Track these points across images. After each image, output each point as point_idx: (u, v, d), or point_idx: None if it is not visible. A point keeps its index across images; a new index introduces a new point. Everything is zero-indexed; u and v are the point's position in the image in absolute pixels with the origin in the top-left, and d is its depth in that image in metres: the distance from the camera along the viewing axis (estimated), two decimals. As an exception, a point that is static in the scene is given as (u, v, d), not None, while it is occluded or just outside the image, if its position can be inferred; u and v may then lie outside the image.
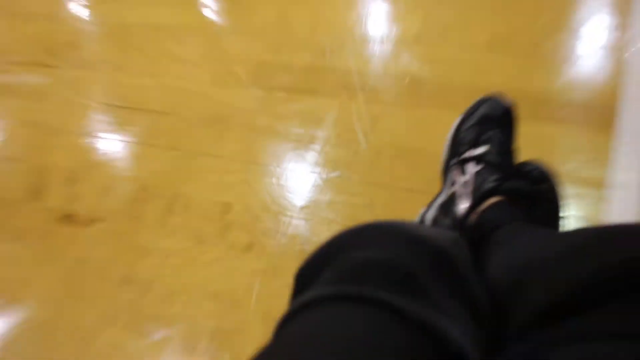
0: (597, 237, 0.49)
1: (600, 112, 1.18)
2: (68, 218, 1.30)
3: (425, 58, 1.39)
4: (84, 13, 1.90)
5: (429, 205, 0.98)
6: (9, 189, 1.42)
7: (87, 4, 1.93)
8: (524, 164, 0.91)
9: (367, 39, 1.48)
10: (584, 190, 1.07)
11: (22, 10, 2.03)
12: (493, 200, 0.86)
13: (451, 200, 0.92)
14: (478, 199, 0.86)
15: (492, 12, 1.45)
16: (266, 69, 1.48)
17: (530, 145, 1.04)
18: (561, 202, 0.91)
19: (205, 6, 1.74)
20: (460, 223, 0.86)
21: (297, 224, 1.15)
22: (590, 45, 1.31)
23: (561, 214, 0.90)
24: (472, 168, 0.92)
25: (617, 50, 1.27)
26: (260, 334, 1.01)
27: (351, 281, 0.48)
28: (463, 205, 0.89)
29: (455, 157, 0.97)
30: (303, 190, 1.21)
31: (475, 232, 0.82)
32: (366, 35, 1.49)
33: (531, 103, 1.22)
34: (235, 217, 1.19)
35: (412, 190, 1.14)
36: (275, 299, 1.05)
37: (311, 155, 1.27)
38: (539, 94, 1.25)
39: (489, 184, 0.88)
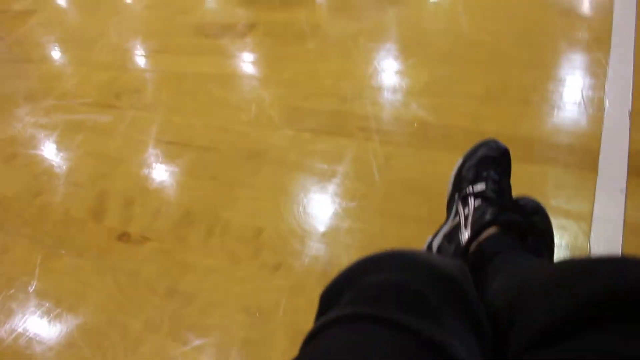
0: (583, 268, 0.47)
1: (583, 153, 1.15)
2: (124, 236, 1.30)
3: (431, 106, 1.38)
4: (145, 63, 1.93)
5: (435, 234, 0.95)
6: (75, 210, 1.42)
7: (148, 55, 1.96)
8: (518, 199, 0.89)
9: (382, 89, 1.47)
10: (570, 223, 1.04)
11: (96, 59, 2.07)
12: (491, 230, 0.83)
13: (454, 231, 0.90)
14: (478, 229, 0.84)
15: (488, 68, 1.45)
16: (296, 113, 1.47)
17: (522, 182, 1.03)
18: (552, 233, 0.88)
19: (246, 59, 1.75)
20: (463, 251, 0.83)
21: (320, 248, 1.13)
22: (574, 95, 1.29)
23: (552, 245, 0.88)
24: (472, 202, 0.90)
25: (598, 100, 1.25)
26: (286, 345, 0.98)
27: (368, 303, 0.47)
28: (465, 235, 0.86)
29: (458, 192, 0.95)
30: (325, 217, 1.19)
31: (475, 259, 0.79)
32: (381, 86, 1.48)
33: (522, 145, 1.20)
34: (266, 240, 1.17)
35: (420, 220, 1.11)
36: (300, 314, 1.02)
37: (332, 187, 1.25)
38: (529, 137, 1.22)
39: (487, 216, 0.86)
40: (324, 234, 1.15)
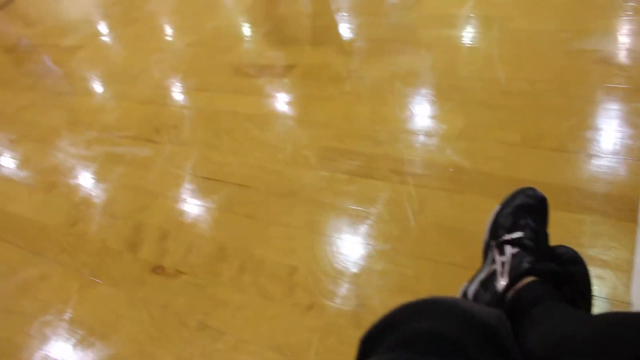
0: (630, 322, 0.47)
1: (622, 202, 1.15)
2: (158, 269, 1.32)
3: (466, 152, 1.38)
4: (184, 100, 1.99)
5: (471, 281, 0.95)
6: (111, 240, 1.46)
7: (187, 92, 2.02)
8: (556, 248, 0.89)
9: (417, 133, 1.49)
10: (609, 274, 1.02)
11: (137, 94, 2.14)
12: (528, 279, 0.83)
13: (491, 278, 0.89)
14: (515, 278, 0.84)
15: (524, 115, 1.46)
16: (331, 154, 1.50)
17: (559, 230, 1.02)
18: (590, 284, 0.87)
19: (283, 99, 1.79)
20: (499, 299, 0.83)
21: (352, 289, 1.13)
22: (612, 144, 1.29)
23: (590, 295, 0.87)
24: (509, 250, 0.90)
25: (637, 150, 1.25)
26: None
27: (409, 349, 0.47)
28: (501, 283, 0.86)
29: (494, 239, 0.95)
30: (358, 259, 1.20)
31: (512, 308, 0.79)
32: (416, 130, 1.50)
33: (559, 193, 1.20)
34: (300, 279, 1.18)
35: (455, 265, 1.11)
36: (331, 354, 1.02)
37: (366, 229, 1.26)
38: (566, 185, 1.22)
39: (525, 264, 0.86)
40: (357, 275, 1.16)
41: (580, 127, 1.37)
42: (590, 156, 1.28)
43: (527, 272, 0.84)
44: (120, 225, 1.51)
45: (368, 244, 1.22)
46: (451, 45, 1.84)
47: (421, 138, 1.47)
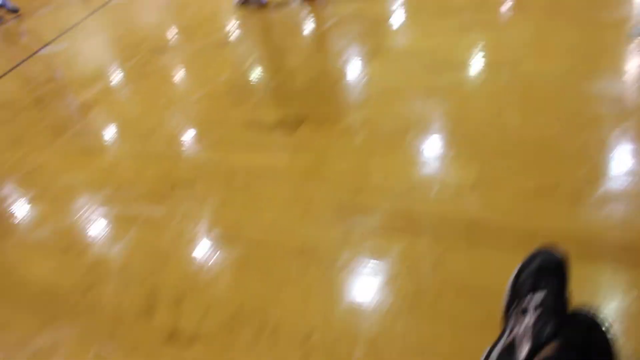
0: None
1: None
2: (172, 336, 1.31)
3: (482, 203, 1.38)
4: (198, 155, 2.01)
5: (494, 345, 0.93)
6: (125, 305, 1.46)
7: (201, 148, 2.04)
8: (577, 311, 0.88)
9: (431, 184, 1.49)
10: (633, 326, 1.00)
11: (152, 150, 2.17)
12: (551, 346, 0.82)
13: (513, 344, 0.88)
14: (538, 345, 0.82)
15: (538, 163, 1.46)
16: (346, 209, 1.50)
17: (579, 281, 1.00)
18: (613, 349, 0.85)
19: (296, 153, 1.80)
20: (524, 367, 0.81)
21: (370, 352, 1.11)
22: (628, 188, 1.27)
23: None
24: (531, 314, 0.89)
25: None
26: None
27: None
28: (524, 349, 0.85)
29: (515, 302, 0.94)
30: (375, 319, 1.19)
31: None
32: (431, 182, 1.50)
33: (577, 243, 1.19)
34: (316, 343, 1.17)
35: (474, 323, 1.10)
36: None
37: (382, 287, 1.25)
38: (583, 235, 1.22)
39: (548, 329, 0.84)
40: (373, 338, 1.14)
41: (596, 173, 1.36)
42: (607, 202, 1.27)
43: (550, 339, 0.82)
44: (135, 289, 1.50)
45: (384, 303, 1.21)
46: (462, 92, 1.85)
47: (436, 190, 1.47)
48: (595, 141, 1.46)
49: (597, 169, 1.37)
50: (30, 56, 4.15)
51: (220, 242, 1.55)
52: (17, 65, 4.05)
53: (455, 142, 1.62)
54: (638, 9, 2.05)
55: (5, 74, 3.93)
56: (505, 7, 2.41)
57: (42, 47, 4.29)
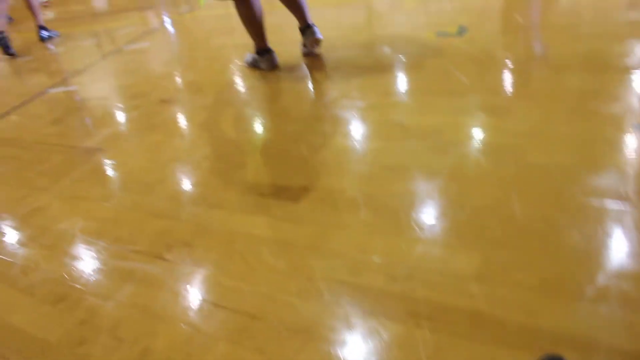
0: None
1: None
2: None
3: (484, 294, 1.38)
4: (198, 216, 2.01)
5: None
6: (114, 367, 1.43)
7: (202, 208, 2.05)
8: None
9: (432, 270, 1.50)
10: None
11: (151, 206, 2.17)
12: None
13: None
14: None
15: (542, 257, 1.48)
16: (345, 288, 1.50)
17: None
18: None
19: (298, 225, 1.81)
20: None
21: None
22: (632, 291, 1.28)
23: None
24: None
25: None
26: None
27: None
28: None
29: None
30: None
31: None
32: (432, 267, 1.52)
33: (582, 347, 1.18)
34: None
35: None
36: None
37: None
38: (589, 340, 1.21)
39: None
40: None
41: (601, 272, 1.37)
42: (611, 305, 1.27)
43: None
44: (126, 349, 1.48)
45: (382, 396, 1.19)
46: (465, 176, 1.88)
47: (437, 277, 1.47)
48: (601, 239, 1.47)
49: (602, 268, 1.38)
50: (40, 94, 4.21)
51: (214, 311, 1.53)
52: (26, 102, 4.09)
53: (458, 228, 1.64)
54: (640, 107, 2.12)
55: (13, 110, 3.97)
56: (510, 92, 2.48)
57: (52, 87, 4.35)
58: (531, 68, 2.72)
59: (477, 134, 2.16)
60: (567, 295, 1.33)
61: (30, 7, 6.22)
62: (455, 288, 1.43)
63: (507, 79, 2.66)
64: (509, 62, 2.85)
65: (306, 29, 3.48)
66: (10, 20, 7.46)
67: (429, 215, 1.73)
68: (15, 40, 6.50)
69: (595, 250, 1.44)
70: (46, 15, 7.74)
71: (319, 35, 3.49)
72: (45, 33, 6.38)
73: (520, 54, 2.94)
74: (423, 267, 1.52)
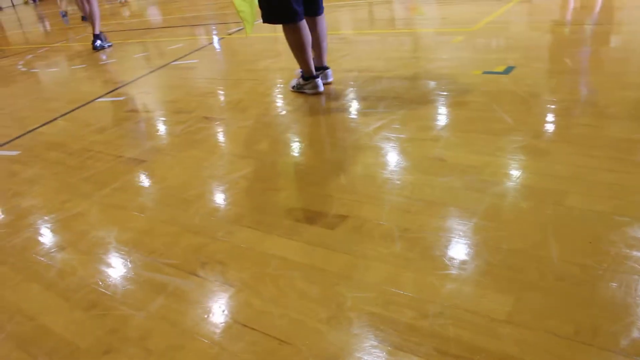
0: None
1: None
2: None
3: (515, 339, 1.37)
4: (234, 236, 2.04)
5: None
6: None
7: (238, 228, 2.08)
8: None
9: (464, 309, 1.49)
10: None
11: (188, 221, 2.21)
12: None
13: None
14: None
15: (577, 305, 1.45)
16: (375, 321, 1.50)
17: None
18: None
19: (333, 252, 1.82)
20: None
21: None
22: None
23: None
24: None
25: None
26: None
27: None
28: None
29: None
30: None
31: None
32: (463, 306, 1.51)
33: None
34: None
35: None
36: None
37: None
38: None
39: None
40: None
41: (637, 325, 1.34)
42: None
43: None
44: (152, 362, 1.50)
45: None
46: (503, 216, 1.87)
47: (468, 316, 1.46)
48: (637, 287, 1.44)
49: (638, 318, 1.35)
50: (89, 102, 4.35)
51: (243, 332, 1.55)
52: (75, 109, 4.24)
53: (492, 269, 1.62)
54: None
55: (62, 116, 4.12)
56: (553, 135, 2.46)
57: (101, 96, 4.50)
58: (576, 112, 2.70)
59: (517, 175, 2.14)
60: (600, 346, 1.30)
61: (90, 14, 6.49)
62: (485, 329, 1.41)
63: (551, 121, 2.65)
64: (554, 105, 2.83)
65: (322, 69, 3.77)
66: (84, 19, 9.17)
67: (462, 253, 1.72)
68: (72, 48, 6.77)
69: (632, 302, 1.41)
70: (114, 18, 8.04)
71: (331, 78, 3.81)
72: (98, 42, 6.62)
73: (566, 97, 2.92)
74: (454, 304, 1.51)
